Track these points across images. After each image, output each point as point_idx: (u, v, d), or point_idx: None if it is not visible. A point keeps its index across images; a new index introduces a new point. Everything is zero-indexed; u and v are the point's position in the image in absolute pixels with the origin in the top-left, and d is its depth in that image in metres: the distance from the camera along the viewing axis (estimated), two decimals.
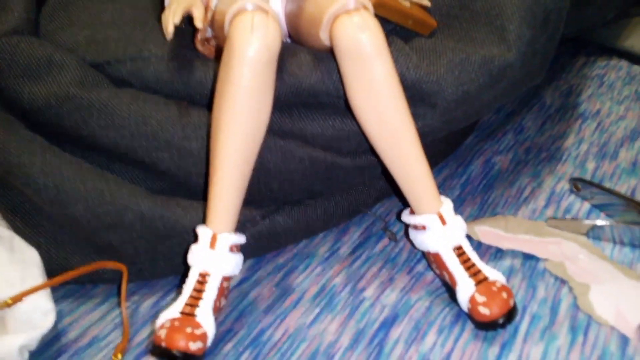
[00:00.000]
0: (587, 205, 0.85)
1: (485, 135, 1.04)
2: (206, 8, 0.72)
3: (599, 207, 0.84)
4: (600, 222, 0.77)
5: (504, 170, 0.94)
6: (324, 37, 0.67)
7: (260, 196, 0.74)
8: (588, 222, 0.77)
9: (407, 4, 0.76)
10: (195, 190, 0.74)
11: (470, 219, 0.84)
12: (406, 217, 0.72)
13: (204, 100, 0.74)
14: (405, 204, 0.73)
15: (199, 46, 0.75)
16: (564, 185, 0.90)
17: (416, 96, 0.70)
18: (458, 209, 0.86)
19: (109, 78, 0.76)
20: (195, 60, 0.74)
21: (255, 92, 0.62)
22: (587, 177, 0.90)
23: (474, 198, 0.88)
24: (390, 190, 0.86)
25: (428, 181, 0.68)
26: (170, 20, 0.67)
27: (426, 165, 0.68)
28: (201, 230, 0.66)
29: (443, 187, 0.91)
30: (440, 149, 0.92)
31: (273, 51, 0.61)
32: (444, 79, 0.69)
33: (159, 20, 0.79)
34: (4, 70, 0.74)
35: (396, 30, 0.78)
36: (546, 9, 0.76)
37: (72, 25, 0.82)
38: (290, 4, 0.74)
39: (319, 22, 0.66)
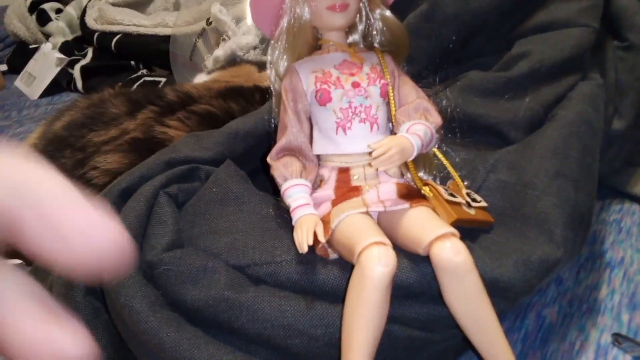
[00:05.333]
0: (629, 358, 1.04)
1: None
2: (324, 223, 0.97)
3: None
4: None
5: (554, 324, 1.14)
6: (420, 253, 0.90)
7: None
8: None
9: (473, 212, 1.00)
10: None
11: None
12: None
13: (325, 295, 0.96)
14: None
15: (318, 252, 0.98)
16: (607, 338, 1.09)
17: (492, 292, 0.92)
18: None
19: (249, 278, 0.99)
20: (317, 263, 0.97)
21: (381, 304, 0.84)
22: (624, 329, 1.10)
23: (535, 352, 1.07)
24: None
25: (506, 346, 0.88)
26: (305, 242, 0.91)
27: (505, 339, 0.88)
28: None
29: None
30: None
31: (393, 272, 0.84)
32: (514, 278, 0.91)
33: (279, 227, 1.04)
34: (171, 279, 0.97)
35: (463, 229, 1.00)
36: (581, 212, 1.00)
37: (213, 233, 1.06)
38: (383, 220, 0.98)
39: (416, 246, 0.89)
